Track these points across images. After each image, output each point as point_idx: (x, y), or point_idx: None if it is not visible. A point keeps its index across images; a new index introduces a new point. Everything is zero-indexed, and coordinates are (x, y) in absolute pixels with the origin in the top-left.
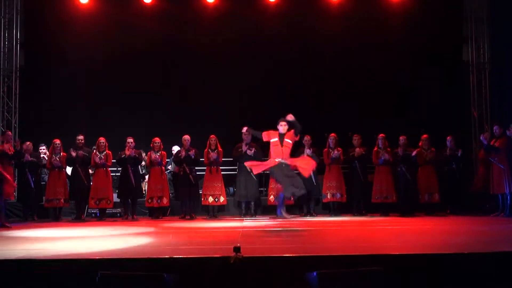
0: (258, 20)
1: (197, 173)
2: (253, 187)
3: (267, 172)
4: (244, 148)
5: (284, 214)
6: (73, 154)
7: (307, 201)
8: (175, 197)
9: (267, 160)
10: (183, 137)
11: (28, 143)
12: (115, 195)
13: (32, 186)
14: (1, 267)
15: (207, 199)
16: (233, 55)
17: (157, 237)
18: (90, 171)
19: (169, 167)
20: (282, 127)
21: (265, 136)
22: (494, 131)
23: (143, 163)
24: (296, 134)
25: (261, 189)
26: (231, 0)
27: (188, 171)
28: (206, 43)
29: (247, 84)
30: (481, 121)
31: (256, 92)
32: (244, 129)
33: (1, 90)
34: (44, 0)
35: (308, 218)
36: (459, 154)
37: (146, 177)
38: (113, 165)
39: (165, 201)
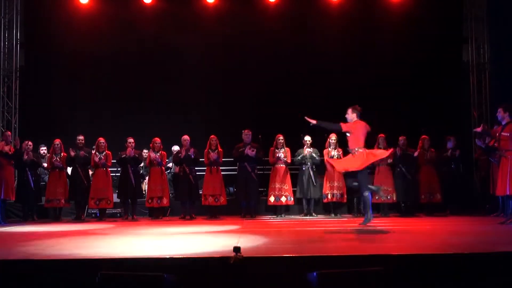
0: (258, 20)
1: (197, 173)
2: (253, 187)
3: (267, 172)
4: (247, 151)
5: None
6: (72, 153)
7: (307, 201)
8: (175, 197)
9: (267, 160)
10: (182, 137)
11: (28, 142)
12: (115, 195)
13: (32, 186)
14: (1, 267)
15: (207, 199)
16: (233, 55)
17: (157, 237)
18: (90, 171)
19: (170, 165)
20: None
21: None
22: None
23: (142, 163)
24: None
25: (261, 189)
26: (231, 0)
27: (188, 171)
28: (206, 43)
29: (247, 83)
30: (481, 121)
31: (256, 91)
32: None
33: (1, 90)
34: (44, 0)
35: (308, 218)
36: (457, 155)
37: (146, 177)
38: (113, 165)
39: (165, 201)
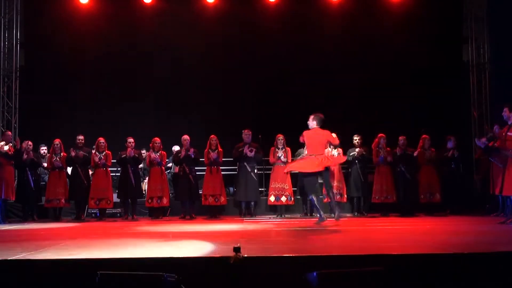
0: (258, 20)
1: (197, 173)
2: (253, 187)
3: (268, 172)
4: (246, 150)
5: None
6: (73, 154)
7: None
8: (175, 197)
9: (267, 160)
10: (182, 137)
11: (28, 142)
12: (115, 195)
13: (32, 186)
14: (1, 267)
15: (207, 199)
16: (233, 55)
17: (157, 237)
18: (90, 171)
19: (170, 165)
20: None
21: None
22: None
23: (141, 165)
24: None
25: (261, 189)
26: (231, 0)
27: (188, 171)
28: (206, 43)
29: (248, 84)
30: (481, 121)
31: (257, 91)
32: None
33: (1, 90)
34: (44, 0)
35: (309, 218)
36: (456, 155)
37: (146, 177)
38: (113, 165)
39: (165, 201)
